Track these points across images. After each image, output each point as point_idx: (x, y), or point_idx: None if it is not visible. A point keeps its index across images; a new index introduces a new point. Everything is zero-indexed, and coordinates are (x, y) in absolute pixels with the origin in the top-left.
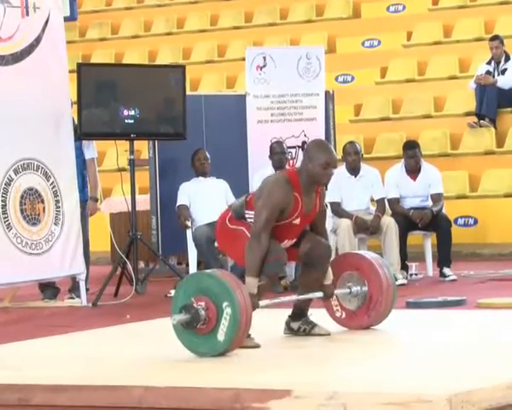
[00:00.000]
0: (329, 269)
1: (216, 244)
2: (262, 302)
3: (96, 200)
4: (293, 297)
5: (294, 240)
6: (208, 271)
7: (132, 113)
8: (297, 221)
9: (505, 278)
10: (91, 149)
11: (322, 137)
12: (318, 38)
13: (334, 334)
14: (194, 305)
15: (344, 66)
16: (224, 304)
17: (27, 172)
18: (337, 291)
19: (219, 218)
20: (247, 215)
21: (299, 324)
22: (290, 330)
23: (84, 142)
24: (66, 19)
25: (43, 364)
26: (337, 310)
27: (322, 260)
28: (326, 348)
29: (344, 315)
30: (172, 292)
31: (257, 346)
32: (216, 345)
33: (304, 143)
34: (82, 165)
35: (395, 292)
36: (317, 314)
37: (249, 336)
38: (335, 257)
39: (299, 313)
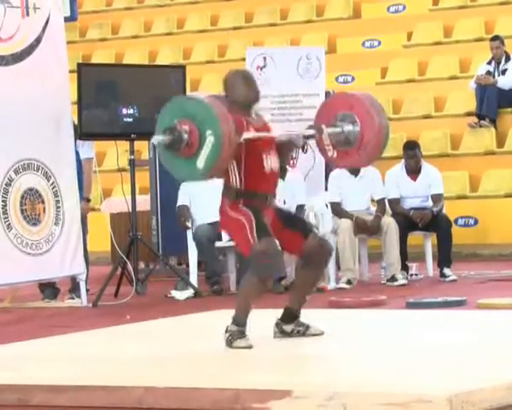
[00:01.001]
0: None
1: (216, 245)
2: (246, 135)
3: (88, 200)
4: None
5: (273, 156)
6: (196, 97)
7: (131, 111)
8: (252, 131)
9: (505, 278)
10: (86, 148)
11: None
12: (318, 39)
13: (333, 334)
14: (178, 127)
15: (344, 66)
16: (208, 132)
17: (28, 173)
18: (329, 130)
19: (220, 209)
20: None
21: (292, 326)
22: (282, 333)
23: (78, 141)
24: (66, 19)
25: (42, 364)
26: (329, 149)
27: (321, 262)
28: (325, 348)
29: (335, 154)
30: (173, 293)
31: (249, 346)
32: (194, 171)
33: (304, 143)
34: (81, 165)
35: (387, 134)
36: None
37: (245, 335)
38: (329, 97)
39: (291, 314)
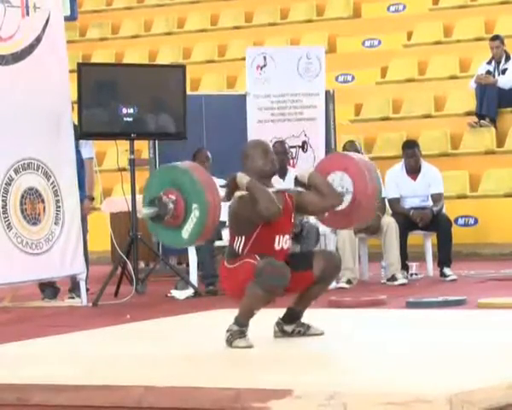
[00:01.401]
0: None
1: (215, 244)
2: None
3: (92, 199)
4: None
5: (286, 236)
6: (184, 166)
7: (131, 111)
8: None
9: (506, 277)
10: (88, 148)
11: (323, 137)
12: (319, 38)
13: (333, 334)
14: (163, 199)
15: (344, 65)
16: (194, 206)
17: (28, 172)
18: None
19: (220, 270)
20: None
21: (293, 326)
22: (283, 333)
23: (80, 141)
24: (66, 18)
25: (42, 364)
26: None
27: (335, 273)
28: (325, 347)
29: (327, 214)
30: (173, 292)
31: (249, 346)
32: (179, 240)
33: (304, 142)
34: (80, 164)
35: (379, 197)
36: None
37: (245, 335)
38: (324, 158)
39: (294, 315)
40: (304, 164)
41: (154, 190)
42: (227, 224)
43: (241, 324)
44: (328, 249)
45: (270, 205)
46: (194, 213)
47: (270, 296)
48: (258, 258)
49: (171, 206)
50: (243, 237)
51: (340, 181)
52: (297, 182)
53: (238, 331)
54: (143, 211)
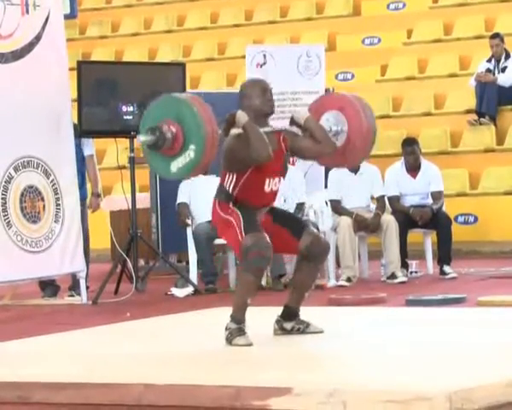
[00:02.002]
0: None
1: (215, 242)
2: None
3: (99, 195)
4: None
5: (276, 179)
6: (187, 100)
7: (131, 109)
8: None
9: (505, 275)
10: (89, 145)
11: None
12: (318, 36)
13: (333, 332)
14: (163, 128)
15: (344, 64)
16: (191, 146)
17: (27, 170)
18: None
19: (212, 208)
20: (225, 185)
21: (292, 324)
22: (282, 330)
23: (82, 139)
24: (66, 17)
25: (42, 361)
26: None
27: (320, 257)
28: (325, 345)
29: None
30: (173, 290)
31: (249, 344)
32: (167, 172)
33: None
34: (81, 162)
35: (374, 139)
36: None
37: (244, 333)
38: (319, 97)
39: (291, 312)
40: (303, 163)
41: (154, 118)
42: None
43: (238, 320)
44: (320, 234)
45: (262, 150)
46: (189, 154)
47: (259, 278)
48: (243, 217)
49: (169, 136)
50: (234, 176)
51: (336, 120)
52: (292, 122)
53: (237, 329)
54: (141, 138)
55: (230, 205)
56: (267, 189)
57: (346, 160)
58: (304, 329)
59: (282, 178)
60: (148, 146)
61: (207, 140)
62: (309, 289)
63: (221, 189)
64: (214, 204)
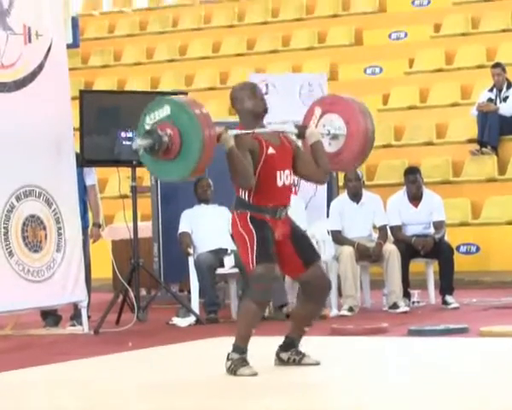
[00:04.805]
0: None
1: (217, 272)
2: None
3: (100, 226)
4: None
5: (287, 171)
6: (182, 101)
7: (130, 135)
8: (272, 151)
9: (508, 305)
10: (91, 175)
11: None
12: (320, 65)
13: (334, 362)
14: (159, 131)
15: (346, 93)
16: (189, 141)
17: (29, 199)
18: (316, 129)
19: (231, 221)
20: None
21: (288, 354)
22: (280, 361)
23: (85, 168)
24: (68, 46)
25: (44, 392)
26: None
27: (320, 295)
28: (327, 375)
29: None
30: (175, 320)
31: (254, 374)
32: (165, 174)
33: None
34: (83, 191)
35: (372, 139)
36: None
37: (247, 363)
38: (320, 98)
39: (290, 343)
40: (305, 191)
41: (151, 121)
42: (229, 251)
43: (241, 350)
44: (324, 271)
45: (242, 180)
46: (189, 149)
47: (262, 310)
48: (257, 238)
49: (165, 139)
50: None
51: (334, 122)
52: (300, 134)
53: (240, 359)
54: (137, 141)
55: (248, 217)
56: (279, 183)
57: (343, 162)
58: (299, 360)
59: (292, 172)
60: (145, 150)
61: (205, 143)
62: (309, 325)
63: (237, 200)
64: (233, 217)
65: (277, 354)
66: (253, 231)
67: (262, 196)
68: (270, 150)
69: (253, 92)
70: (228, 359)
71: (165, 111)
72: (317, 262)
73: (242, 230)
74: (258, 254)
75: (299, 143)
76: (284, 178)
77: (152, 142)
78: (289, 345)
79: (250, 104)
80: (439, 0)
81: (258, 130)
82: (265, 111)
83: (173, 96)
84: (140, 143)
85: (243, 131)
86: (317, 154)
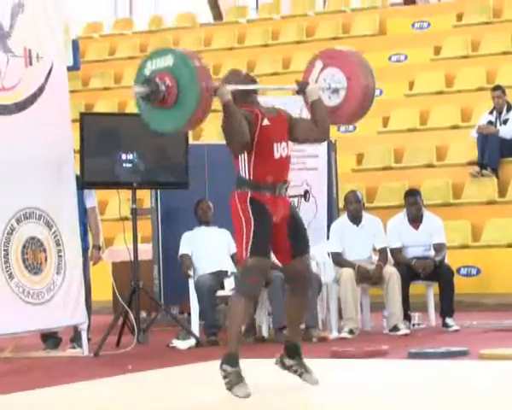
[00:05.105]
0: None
1: (218, 294)
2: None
3: (99, 248)
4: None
5: (284, 143)
6: (183, 54)
7: (130, 157)
8: (266, 122)
9: (508, 328)
10: (92, 197)
11: (325, 187)
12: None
13: (334, 384)
14: (157, 80)
15: None
16: (186, 92)
17: (29, 222)
18: (316, 85)
19: (231, 201)
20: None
21: (292, 362)
22: (282, 365)
23: (85, 190)
24: (69, 68)
25: None
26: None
27: (301, 286)
28: (326, 398)
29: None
30: (175, 342)
31: (248, 395)
32: (160, 125)
33: (306, 192)
34: (83, 214)
35: (372, 96)
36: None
37: (242, 380)
38: (318, 53)
39: (294, 349)
40: (305, 213)
41: (150, 69)
42: (229, 273)
43: (234, 360)
44: (308, 264)
45: (238, 136)
46: (185, 100)
47: (251, 303)
48: (253, 236)
49: (163, 88)
50: (245, 154)
51: (336, 77)
52: (300, 91)
53: (235, 374)
54: (135, 89)
55: (248, 199)
56: (277, 155)
57: (343, 116)
58: (300, 374)
59: (288, 144)
60: (142, 98)
61: (201, 95)
62: (302, 321)
63: (238, 178)
64: (233, 195)
65: (281, 357)
66: (252, 220)
67: (260, 169)
68: (265, 122)
69: (238, 72)
70: (221, 369)
71: (167, 61)
72: (304, 256)
73: (242, 214)
74: (252, 246)
75: (299, 110)
76: (281, 149)
77: (149, 90)
78: (294, 352)
79: (240, 78)
80: (439, 22)
81: (254, 86)
82: (255, 82)
83: (175, 50)
84: (137, 90)
85: (240, 87)
86: (315, 110)
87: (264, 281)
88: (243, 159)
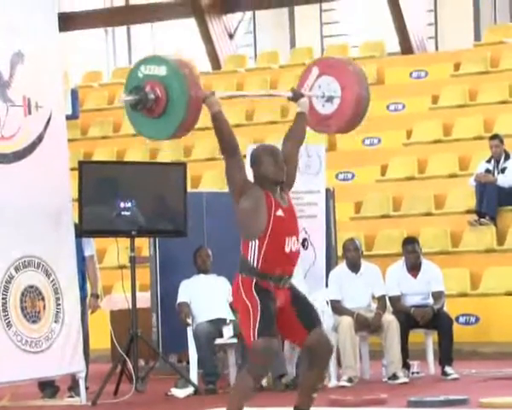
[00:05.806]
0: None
1: (216, 341)
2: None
3: (97, 296)
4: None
5: (294, 238)
6: (182, 72)
7: (129, 204)
8: (280, 213)
9: (507, 377)
10: (91, 245)
11: (323, 235)
12: (318, 135)
13: None
14: (147, 89)
15: (344, 163)
16: (174, 100)
17: (28, 270)
18: (311, 93)
19: (234, 284)
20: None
21: None
22: None
23: (83, 239)
24: (68, 117)
25: None
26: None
27: (322, 360)
28: None
29: (311, 118)
30: (173, 391)
31: None
32: (149, 133)
33: (304, 240)
34: (81, 262)
35: (366, 106)
36: None
37: None
38: (313, 61)
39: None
40: (304, 260)
41: (140, 78)
42: (227, 321)
43: None
44: (326, 336)
45: (227, 145)
46: (174, 109)
47: (258, 383)
48: (261, 309)
49: (151, 97)
50: (256, 243)
51: (331, 86)
52: (294, 97)
53: None
54: (123, 97)
55: (253, 285)
56: (287, 249)
57: (336, 125)
58: None
59: (298, 239)
60: (131, 106)
61: (190, 104)
62: (316, 391)
63: (244, 262)
64: (237, 280)
65: None
66: (258, 302)
67: (269, 262)
68: (279, 213)
69: (275, 159)
70: None
71: (161, 71)
72: (318, 327)
73: (246, 298)
74: (260, 327)
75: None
76: (291, 244)
77: (137, 98)
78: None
79: (270, 171)
80: (437, 72)
81: (250, 92)
82: (282, 181)
83: (165, 57)
84: (126, 98)
85: (228, 94)
86: (299, 121)
87: (273, 361)
88: (254, 246)
